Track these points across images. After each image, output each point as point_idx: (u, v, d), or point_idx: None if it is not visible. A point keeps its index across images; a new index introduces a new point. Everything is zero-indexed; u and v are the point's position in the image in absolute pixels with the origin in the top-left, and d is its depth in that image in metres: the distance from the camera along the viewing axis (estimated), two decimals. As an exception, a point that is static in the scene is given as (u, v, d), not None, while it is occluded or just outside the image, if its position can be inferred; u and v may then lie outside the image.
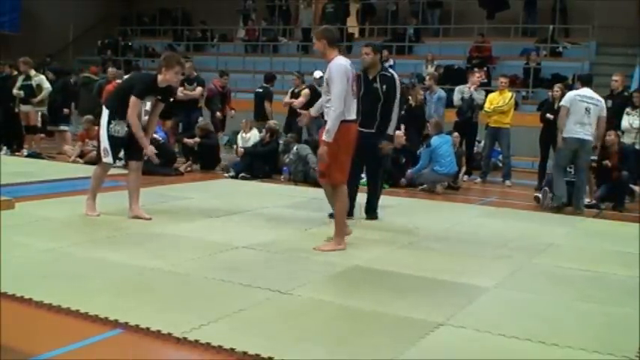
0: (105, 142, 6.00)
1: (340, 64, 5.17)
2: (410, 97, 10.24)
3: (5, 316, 3.47)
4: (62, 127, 11.95)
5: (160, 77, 6.00)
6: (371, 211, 6.77)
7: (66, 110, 11.88)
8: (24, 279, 4.10)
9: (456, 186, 9.45)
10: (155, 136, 9.38)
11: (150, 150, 6.10)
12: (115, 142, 6.01)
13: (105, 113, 6.05)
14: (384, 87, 6.45)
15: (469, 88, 10.53)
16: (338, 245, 5.29)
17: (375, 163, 6.70)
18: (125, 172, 6.63)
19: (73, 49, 20.19)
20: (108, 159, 6.04)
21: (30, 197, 6.96)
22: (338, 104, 5.06)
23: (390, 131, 6.56)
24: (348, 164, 5.36)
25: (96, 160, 6.26)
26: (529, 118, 11.63)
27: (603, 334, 3.62)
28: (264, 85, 12.12)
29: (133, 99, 5.90)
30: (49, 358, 3.02)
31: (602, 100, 8.01)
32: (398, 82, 6.61)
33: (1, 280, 3.94)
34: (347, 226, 5.54)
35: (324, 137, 5.14)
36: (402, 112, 8.55)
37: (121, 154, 6.40)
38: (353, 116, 5.30)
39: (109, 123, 5.99)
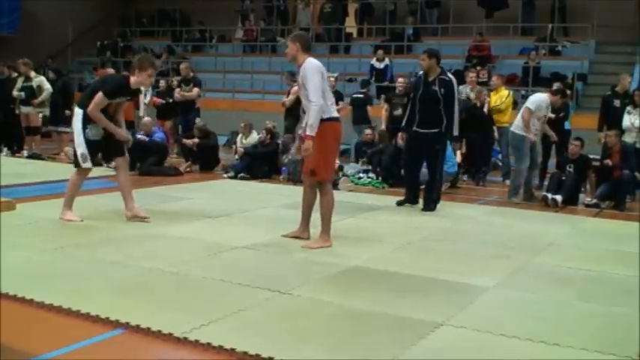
0: (82, 148, 5.86)
1: (313, 61, 5.26)
2: (474, 98, 10.28)
3: (5, 316, 3.47)
4: (63, 129, 11.94)
5: (132, 79, 5.91)
6: (428, 204, 7.26)
7: (68, 112, 11.87)
8: (24, 279, 4.10)
9: (457, 184, 9.45)
10: (138, 136, 9.41)
11: (121, 133, 5.98)
12: (92, 146, 5.90)
13: (79, 115, 5.87)
14: (442, 90, 6.94)
15: (469, 88, 10.51)
16: (325, 242, 5.31)
17: (434, 159, 7.27)
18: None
19: (72, 51, 20.17)
20: (87, 164, 5.93)
21: (30, 198, 6.98)
22: (316, 98, 5.10)
23: (454, 132, 7.19)
24: (335, 162, 5.75)
25: (74, 165, 6.03)
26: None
27: (604, 334, 3.62)
28: (362, 90, 12.20)
29: (100, 95, 5.77)
30: (49, 359, 3.02)
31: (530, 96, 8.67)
32: (456, 86, 7.14)
33: (1, 280, 3.95)
34: (308, 230, 5.54)
35: (307, 132, 5.17)
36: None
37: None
38: (335, 113, 5.35)
39: (84, 128, 5.84)
